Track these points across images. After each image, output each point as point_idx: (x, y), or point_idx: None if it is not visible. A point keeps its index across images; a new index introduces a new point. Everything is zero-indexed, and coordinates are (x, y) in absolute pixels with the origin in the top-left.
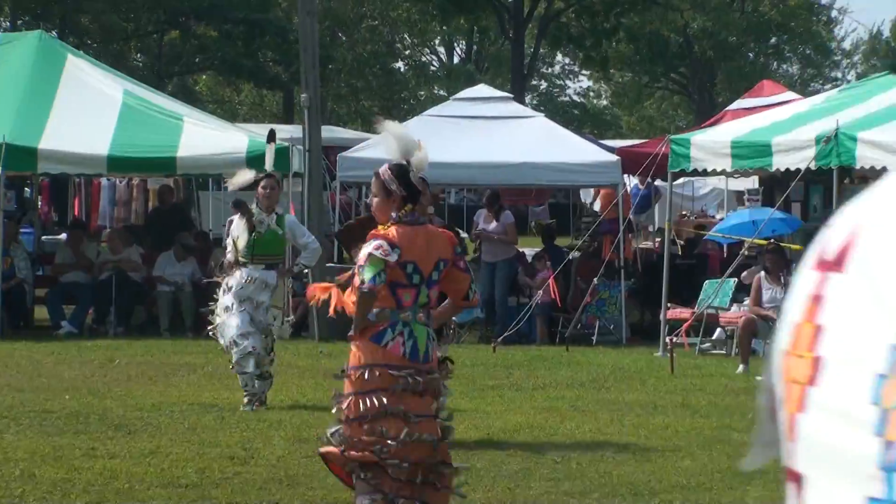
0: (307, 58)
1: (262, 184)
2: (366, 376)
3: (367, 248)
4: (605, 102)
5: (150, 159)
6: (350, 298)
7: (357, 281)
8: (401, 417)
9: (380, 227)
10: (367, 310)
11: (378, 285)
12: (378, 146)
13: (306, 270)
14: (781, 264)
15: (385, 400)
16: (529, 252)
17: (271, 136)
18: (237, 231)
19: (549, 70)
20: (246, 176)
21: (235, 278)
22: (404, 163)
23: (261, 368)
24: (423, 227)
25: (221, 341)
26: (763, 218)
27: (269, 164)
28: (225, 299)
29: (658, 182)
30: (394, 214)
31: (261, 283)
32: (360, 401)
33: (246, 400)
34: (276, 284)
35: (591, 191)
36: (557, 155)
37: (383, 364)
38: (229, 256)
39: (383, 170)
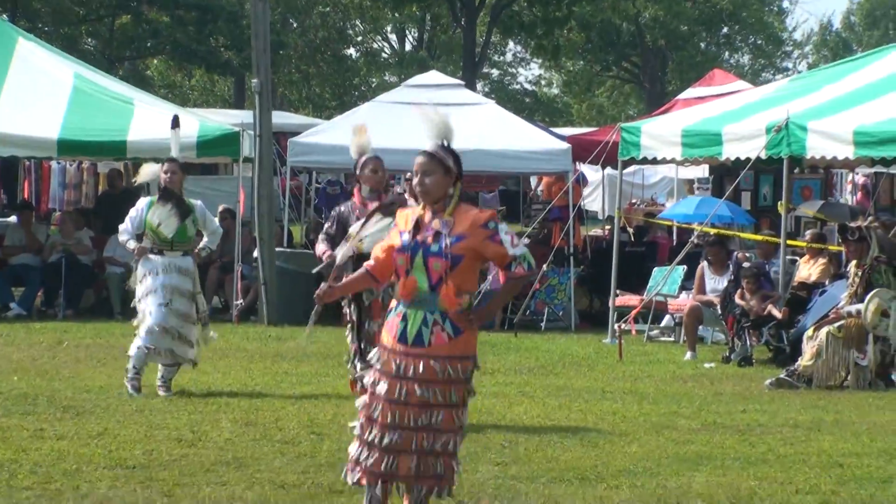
0: (258, 43)
1: (164, 168)
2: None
3: (506, 233)
4: (556, 91)
5: (100, 143)
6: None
7: (521, 269)
8: None
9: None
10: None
11: None
12: (330, 131)
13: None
14: (723, 255)
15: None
16: None
17: (175, 122)
18: (160, 217)
19: (501, 58)
20: (152, 168)
21: (157, 265)
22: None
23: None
24: None
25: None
26: (714, 209)
27: (174, 150)
28: (149, 283)
29: (608, 170)
30: (451, 191)
31: (183, 270)
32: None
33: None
34: (194, 270)
35: (535, 178)
36: (508, 142)
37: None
38: (145, 243)
39: (435, 149)
